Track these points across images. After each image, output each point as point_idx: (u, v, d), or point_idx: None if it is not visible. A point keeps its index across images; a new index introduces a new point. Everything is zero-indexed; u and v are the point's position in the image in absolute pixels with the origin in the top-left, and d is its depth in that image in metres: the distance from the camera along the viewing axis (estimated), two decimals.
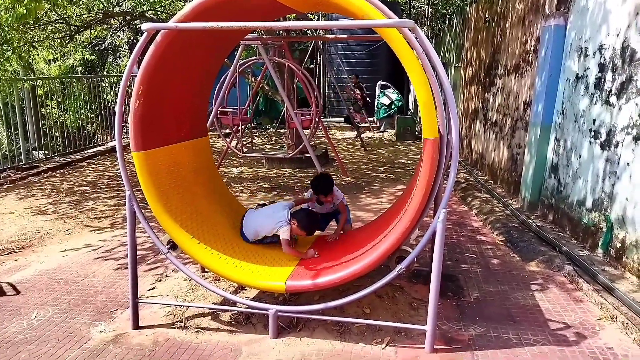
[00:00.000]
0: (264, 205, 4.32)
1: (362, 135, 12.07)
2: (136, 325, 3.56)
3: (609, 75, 4.60)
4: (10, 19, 6.52)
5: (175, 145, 3.90)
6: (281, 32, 8.05)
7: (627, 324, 3.43)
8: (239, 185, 7.96)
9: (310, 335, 3.44)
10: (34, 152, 10.27)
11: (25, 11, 6.00)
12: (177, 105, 3.91)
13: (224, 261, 3.60)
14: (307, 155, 8.51)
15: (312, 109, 8.81)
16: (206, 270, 4.34)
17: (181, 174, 3.93)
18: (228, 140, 8.97)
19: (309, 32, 9.98)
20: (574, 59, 5.28)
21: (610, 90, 4.56)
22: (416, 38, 2.92)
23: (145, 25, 3.11)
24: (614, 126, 4.48)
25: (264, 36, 7.49)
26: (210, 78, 4.44)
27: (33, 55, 12.70)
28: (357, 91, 13.99)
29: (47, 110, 11.40)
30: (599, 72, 4.78)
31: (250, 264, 3.68)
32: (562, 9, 5.56)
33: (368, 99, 14.87)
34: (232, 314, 3.73)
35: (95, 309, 3.86)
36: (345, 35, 7.60)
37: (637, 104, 4.15)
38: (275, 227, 3.86)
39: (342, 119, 13.43)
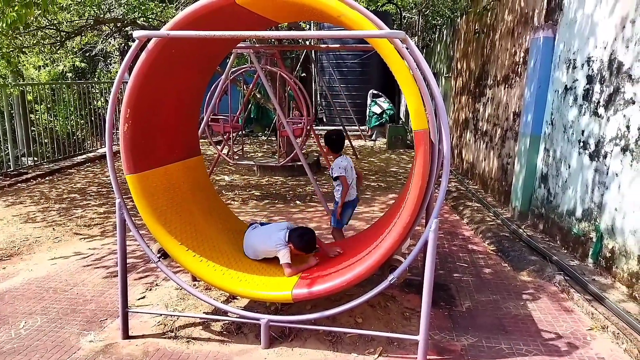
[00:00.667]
0: (264, 224, 4.27)
1: (353, 144, 12.09)
2: (126, 335, 3.52)
3: (597, 87, 4.67)
4: (1, 24, 6.48)
5: (169, 166, 3.89)
6: (273, 40, 8.07)
7: (618, 334, 3.46)
8: (230, 193, 7.93)
9: (302, 345, 3.42)
10: (22, 158, 10.16)
11: (15, 16, 5.96)
12: (167, 124, 3.90)
13: (228, 276, 3.58)
14: (299, 163, 8.52)
15: (303, 117, 8.82)
16: (197, 279, 4.31)
17: (177, 194, 3.91)
18: (219, 147, 8.95)
19: (301, 41, 10.01)
20: (563, 71, 5.35)
21: (599, 102, 4.63)
22: (407, 49, 2.95)
23: (137, 33, 3.10)
24: (602, 137, 4.54)
25: (256, 45, 7.51)
26: (200, 92, 4.44)
27: (22, 61, 12.60)
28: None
29: (37, 116, 11.30)
30: (587, 84, 4.85)
31: (254, 276, 3.66)
32: (550, 21, 5.64)
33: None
34: (223, 324, 3.70)
35: (84, 318, 3.81)
36: (337, 45, 7.65)
37: (624, 116, 4.21)
38: (273, 249, 3.82)
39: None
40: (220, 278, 3.53)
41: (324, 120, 17.51)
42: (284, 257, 3.73)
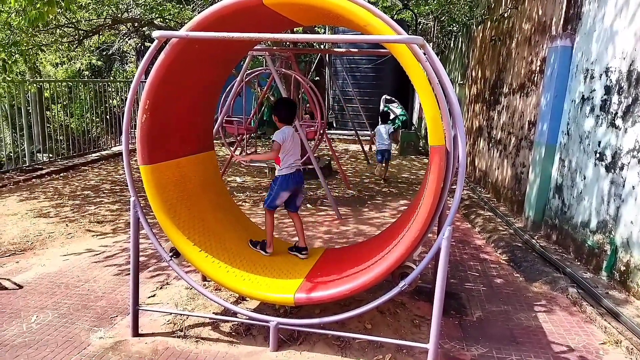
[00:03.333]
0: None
1: (365, 148, 12.07)
2: (136, 333, 3.54)
3: (615, 98, 4.62)
4: (22, 21, 6.57)
5: (181, 159, 3.93)
6: (289, 44, 8.10)
7: (632, 349, 3.40)
8: (241, 194, 7.96)
9: (310, 349, 3.41)
10: (37, 154, 10.29)
11: (37, 14, 6.04)
12: (183, 120, 3.93)
13: (232, 274, 3.60)
14: (311, 166, 8.52)
15: (316, 120, 8.84)
16: (208, 279, 4.32)
17: (188, 188, 3.94)
18: (232, 149, 8.99)
19: (316, 45, 10.04)
20: (580, 81, 5.30)
21: (616, 113, 4.57)
22: (425, 55, 2.94)
23: (156, 33, 3.13)
24: (619, 148, 4.48)
25: (272, 47, 7.54)
26: (217, 91, 4.48)
27: (40, 59, 12.78)
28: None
29: (53, 113, 11.45)
30: (605, 94, 4.80)
31: (258, 276, 3.67)
32: (568, 30, 5.59)
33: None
34: (232, 325, 3.70)
35: (95, 314, 3.84)
36: (355, 50, 7.64)
37: None
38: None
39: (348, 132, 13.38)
40: (224, 275, 3.55)
41: (334, 125, 17.51)
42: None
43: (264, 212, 4.41)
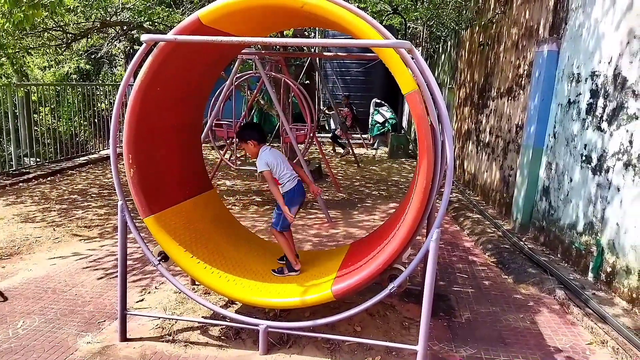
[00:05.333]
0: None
1: (354, 152, 12.12)
2: (124, 338, 3.51)
3: (600, 102, 4.68)
4: (7, 24, 6.51)
5: (183, 203, 3.95)
6: (279, 47, 8.12)
7: (618, 349, 3.44)
8: (231, 197, 7.93)
9: (300, 353, 3.40)
10: (25, 158, 10.18)
11: (22, 17, 5.99)
12: (171, 162, 3.94)
13: (267, 295, 3.57)
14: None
15: (306, 124, 8.85)
16: (196, 283, 4.30)
17: (199, 228, 3.95)
18: (222, 152, 8.97)
19: (305, 48, 10.06)
20: (566, 85, 5.37)
21: (602, 117, 4.64)
22: (413, 59, 2.97)
23: (144, 37, 3.12)
24: (605, 151, 4.54)
25: (262, 51, 7.54)
26: (198, 121, 4.45)
27: (28, 62, 12.65)
28: (347, 110, 14.10)
29: (40, 117, 11.33)
30: (590, 98, 4.86)
31: (293, 285, 3.66)
32: (555, 35, 5.67)
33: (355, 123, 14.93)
34: (221, 329, 3.69)
35: (82, 319, 3.80)
36: (343, 54, 7.68)
37: (627, 131, 4.22)
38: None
39: (329, 137, 13.53)
40: (257, 295, 3.56)
41: (326, 127, 17.54)
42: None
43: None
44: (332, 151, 13.62)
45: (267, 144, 4.04)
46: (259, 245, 4.52)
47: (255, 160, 4.00)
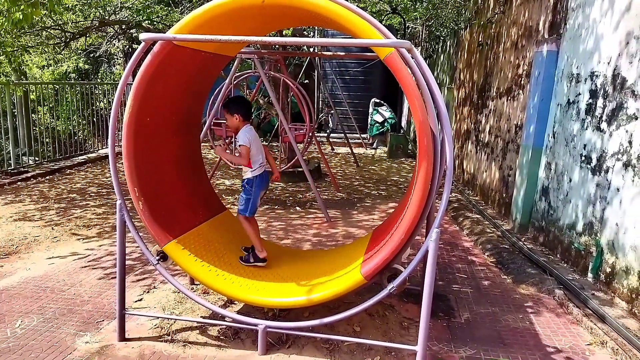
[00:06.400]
0: None
1: (354, 151, 12.11)
2: (122, 337, 3.50)
3: (600, 102, 4.68)
4: (5, 23, 6.49)
5: (199, 227, 3.98)
6: (278, 46, 8.11)
7: (617, 349, 3.44)
8: (230, 197, 7.92)
9: (299, 353, 3.40)
10: (23, 157, 10.16)
11: (21, 16, 5.97)
12: (175, 189, 3.95)
13: (297, 293, 3.56)
14: (300, 169, 8.52)
15: (305, 123, 8.84)
16: (195, 282, 4.30)
17: (220, 249, 3.96)
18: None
19: (305, 48, 10.06)
20: (566, 85, 5.37)
21: (601, 117, 4.64)
22: (413, 59, 2.96)
23: (143, 35, 3.11)
24: (604, 152, 4.54)
25: (261, 50, 7.53)
26: (197, 152, 4.46)
27: (26, 61, 12.62)
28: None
29: (39, 116, 11.31)
30: (590, 98, 4.86)
31: (323, 280, 3.61)
32: (554, 35, 5.67)
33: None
34: (220, 329, 3.68)
35: (81, 319, 3.79)
36: (342, 53, 7.66)
37: (627, 131, 4.22)
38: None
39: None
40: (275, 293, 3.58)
41: (329, 125, 17.55)
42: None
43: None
44: (330, 150, 13.63)
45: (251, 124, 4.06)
46: (281, 251, 4.55)
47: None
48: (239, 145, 3.92)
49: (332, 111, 13.69)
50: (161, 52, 3.25)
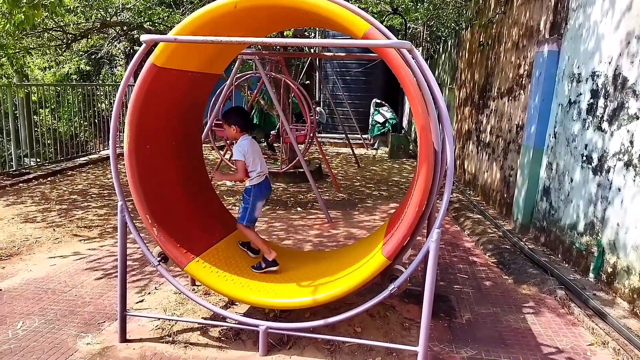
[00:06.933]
0: None
1: (355, 152, 12.10)
2: (123, 339, 3.50)
3: (601, 102, 4.68)
4: (7, 25, 6.51)
5: (217, 245, 4.00)
6: (279, 47, 8.11)
7: (619, 350, 3.44)
8: (231, 198, 7.93)
9: (300, 354, 3.40)
10: (25, 158, 10.18)
11: (23, 17, 5.99)
12: (184, 211, 3.96)
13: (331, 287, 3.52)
14: (301, 170, 8.52)
15: (307, 124, 8.84)
16: (197, 283, 4.30)
17: (243, 263, 3.98)
18: (222, 152, 8.97)
19: (305, 48, 10.06)
20: (567, 85, 5.36)
21: (602, 116, 4.63)
22: (413, 59, 2.96)
23: (144, 37, 3.11)
24: (605, 151, 4.53)
25: (262, 51, 7.54)
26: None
27: (28, 63, 12.65)
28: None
29: (40, 117, 11.33)
30: (591, 98, 4.85)
31: (346, 273, 3.58)
32: (555, 35, 5.66)
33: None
34: (221, 330, 3.68)
35: (82, 320, 3.79)
36: (343, 54, 7.66)
37: (628, 131, 4.21)
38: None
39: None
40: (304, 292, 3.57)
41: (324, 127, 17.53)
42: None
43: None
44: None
45: (250, 135, 4.05)
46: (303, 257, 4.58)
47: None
48: (235, 160, 3.95)
49: (318, 108, 13.62)
50: (148, 76, 3.28)
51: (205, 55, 3.72)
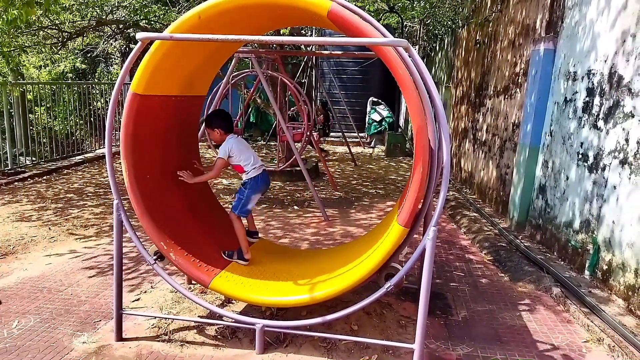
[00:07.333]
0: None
1: (352, 150, 12.11)
2: (120, 337, 3.49)
3: (597, 100, 4.69)
4: (1, 22, 6.47)
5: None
6: (275, 45, 8.10)
7: (614, 346, 3.45)
8: (228, 196, 7.91)
9: (296, 352, 3.40)
10: (20, 157, 10.13)
11: (16, 14, 5.95)
12: (205, 231, 4.01)
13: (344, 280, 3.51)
14: (298, 168, 8.52)
15: (303, 122, 8.84)
16: (193, 282, 4.29)
17: (266, 269, 3.98)
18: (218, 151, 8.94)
19: (302, 47, 10.04)
20: (563, 83, 5.37)
21: (598, 115, 4.64)
22: (410, 57, 2.96)
23: (139, 35, 3.10)
24: (601, 149, 4.55)
25: (258, 49, 7.53)
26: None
27: (23, 61, 12.59)
28: (322, 118, 14.04)
29: (36, 116, 11.28)
30: (587, 96, 4.87)
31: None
32: (551, 34, 5.67)
33: (328, 130, 14.74)
34: (218, 328, 3.68)
35: (78, 319, 3.78)
36: (339, 52, 7.66)
37: (624, 129, 4.22)
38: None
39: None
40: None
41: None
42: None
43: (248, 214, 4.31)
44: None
45: (236, 135, 4.03)
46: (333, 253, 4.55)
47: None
48: (217, 158, 3.98)
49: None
50: (132, 105, 3.30)
51: (183, 75, 3.73)
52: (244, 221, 4.17)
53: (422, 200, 3.20)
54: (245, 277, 3.70)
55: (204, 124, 7.18)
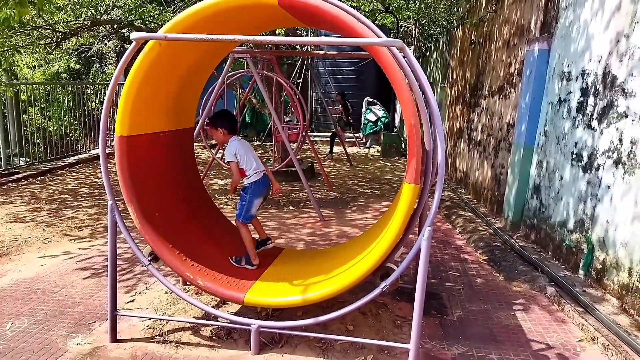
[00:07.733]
0: None
1: (347, 151, 12.11)
2: (114, 339, 3.48)
3: (591, 100, 4.71)
4: None
5: (267, 270, 4.03)
6: (270, 46, 8.09)
7: (608, 345, 3.47)
8: (223, 197, 7.90)
9: (292, 352, 3.39)
10: (14, 158, 10.07)
11: (9, 14, 5.91)
12: (222, 253, 4.02)
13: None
14: (293, 168, 8.52)
15: (299, 122, 8.83)
16: (187, 283, 4.28)
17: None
18: (214, 151, 8.94)
19: (297, 47, 10.04)
20: (557, 83, 5.40)
21: (592, 115, 4.66)
22: (404, 57, 2.96)
23: (134, 35, 3.09)
24: (595, 149, 4.57)
25: (253, 49, 7.51)
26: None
27: (17, 61, 12.50)
28: (340, 108, 13.97)
29: (30, 116, 11.22)
30: (581, 97, 4.89)
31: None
32: (545, 34, 5.69)
33: (350, 118, 14.71)
34: (213, 329, 3.67)
35: (72, 320, 3.76)
36: (334, 52, 7.66)
37: (617, 129, 4.25)
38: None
39: (329, 136, 13.36)
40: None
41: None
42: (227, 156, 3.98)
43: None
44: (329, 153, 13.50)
45: (238, 136, 4.04)
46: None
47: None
48: (228, 162, 3.98)
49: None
50: (122, 149, 3.32)
51: (167, 108, 3.75)
52: (251, 227, 4.16)
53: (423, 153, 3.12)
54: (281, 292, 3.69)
55: (206, 124, 7.19)
